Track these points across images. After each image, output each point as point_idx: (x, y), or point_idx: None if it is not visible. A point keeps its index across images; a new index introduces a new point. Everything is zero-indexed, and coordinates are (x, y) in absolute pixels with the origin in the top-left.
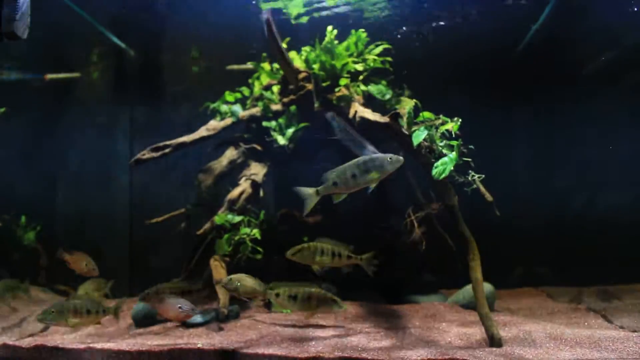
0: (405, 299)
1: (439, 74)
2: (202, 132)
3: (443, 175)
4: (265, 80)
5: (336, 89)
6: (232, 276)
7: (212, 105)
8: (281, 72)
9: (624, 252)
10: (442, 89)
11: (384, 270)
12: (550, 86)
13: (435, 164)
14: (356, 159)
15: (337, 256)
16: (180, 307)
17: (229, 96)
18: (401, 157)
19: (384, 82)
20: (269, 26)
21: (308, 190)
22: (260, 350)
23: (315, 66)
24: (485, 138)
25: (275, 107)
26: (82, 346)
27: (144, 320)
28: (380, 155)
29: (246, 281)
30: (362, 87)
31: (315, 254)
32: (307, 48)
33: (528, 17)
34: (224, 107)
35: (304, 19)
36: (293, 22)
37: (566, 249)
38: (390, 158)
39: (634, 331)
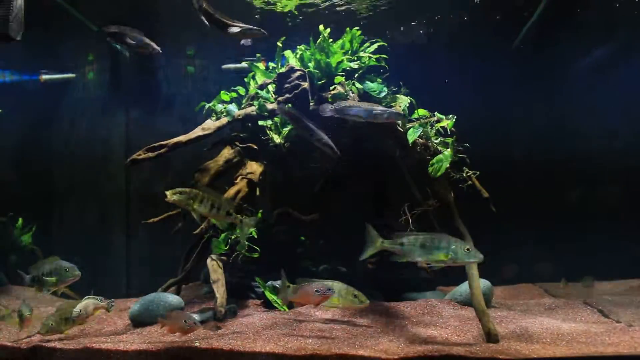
0: (403, 296)
1: None
2: (198, 131)
3: (439, 173)
4: (260, 79)
5: (331, 87)
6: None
7: (208, 105)
8: (277, 71)
9: (621, 246)
10: None
11: (381, 268)
12: None
13: (430, 162)
14: (432, 235)
15: (216, 209)
16: (185, 322)
17: (225, 95)
18: (480, 255)
19: (379, 79)
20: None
21: (375, 236)
22: (258, 348)
23: (310, 64)
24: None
25: (271, 106)
26: (79, 346)
27: (141, 320)
28: (459, 243)
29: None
30: (358, 85)
31: (194, 200)
32: (302, 47)
33: None
34: (220, 107)
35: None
36: (288, 20)
37: (563, 244)
38: (468, 249)
39: (630, 325)
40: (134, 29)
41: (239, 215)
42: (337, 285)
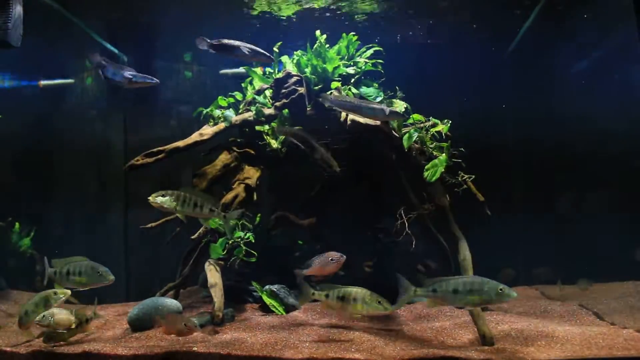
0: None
1: None
2: (196, 137)
3: (435, 178)
4: (257, 84)
5: (328, 92)
6: (46, 312)
7: (205, 111)
8: (273, 76)
9: (618, 250)
10: None
11: (378, 271)
12: None
13: (426, 167)
14: (464, 279)
15: (199, 207)
16: (184, 324)
17: (222, 101)
18: (514, 293)
19: (375, 84)
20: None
21: (408, 286)
22: (256, 353)
23: (307, 70)
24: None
25: (268, 111)
26: (78, 350)
27: (140, 324)
28: (491, 284)
29: (60, 315)
30: (354, 90)
31: (177, 201)
32: (299, 52)
33: None
34: (217, 112)
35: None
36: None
37: (560, 247)
38: (501, 289)
39: (625, 328)
40: (122, 66)
41: (223, 213)
42: (360, 291)
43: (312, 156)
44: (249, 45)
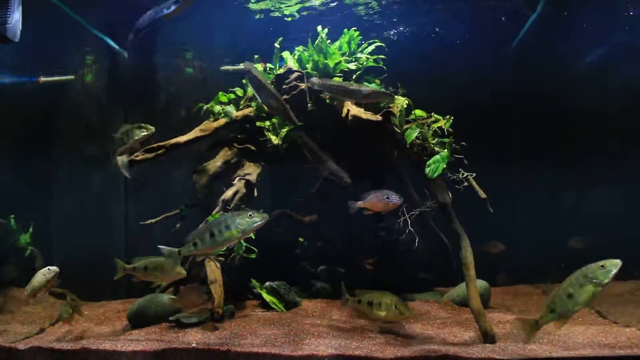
0: (401, 297)
1: None
2: (196, 132)
3: (436, 174)
4: None
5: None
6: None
7: (206, 106)
8: (274, 72)
9: (618, 249)
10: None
11: (379, 269)
12: None
13: (427, 163)
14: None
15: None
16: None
17: (223, 97)
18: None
19: (377, 80)
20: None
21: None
22: (255, 349)
23: (308, 66)
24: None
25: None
26: (77, 347)
27: (139, 321)
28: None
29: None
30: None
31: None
32: (300, 47)
33: None
34: (218, 108)
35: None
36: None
37: (561, 245)
38: (602, 265)
39: (627, 326)
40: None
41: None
42: (385, 298)
43: (321, 170)
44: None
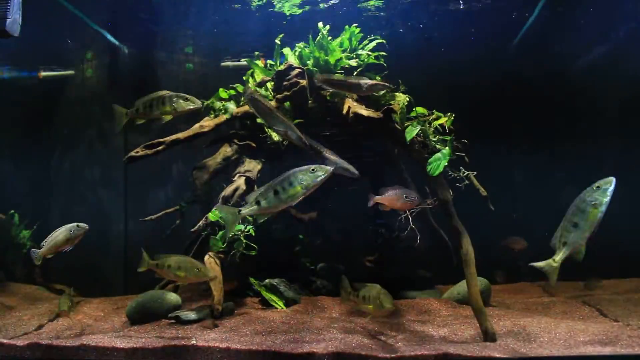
0: (401, 295)
1: None
2: (196, 129)
3: (437, 172)
4: (259, 77)
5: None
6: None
7: (206, 102)
8: (275, 68)
9: (620, 246)
10: None
11: (380, 266)
12: None
13: (429, 160)
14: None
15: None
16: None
17: (223, 93)
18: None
19: (378, 77)
20: None
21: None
22: (254, 347)
23: (309, 62)
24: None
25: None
26: (76, 343)
27: (138, 318)
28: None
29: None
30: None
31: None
32: (301, 44)
33: None
34: (218, 104)
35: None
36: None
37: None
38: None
39: (628, 324)
40: None
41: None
42: (373, 291)
43: (329, 165)
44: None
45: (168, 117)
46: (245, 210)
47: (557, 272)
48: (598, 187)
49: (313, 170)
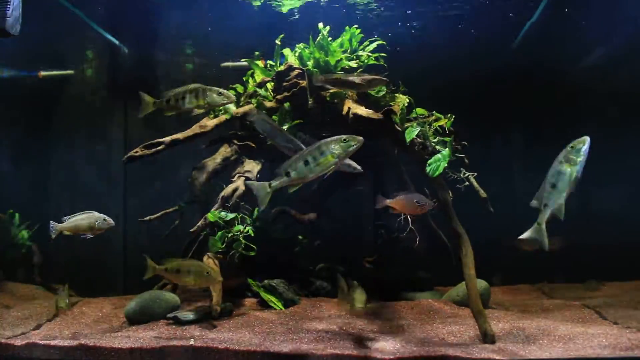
0: (400, 296)
1: None
2: (196, 129)
3: (437, 173)
4: (259, 77)
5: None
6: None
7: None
8: (275, 69)
9: (619, 249)
10: None
11: (379, 267)
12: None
13: (428, 161)
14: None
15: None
16: None
17: None
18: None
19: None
20: None
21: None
22: (253, 347)
23: (309, 63)
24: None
25: (269, 104)
26: (74, 343)
27: (137, 318)
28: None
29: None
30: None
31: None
32: (301, 45)
33: None
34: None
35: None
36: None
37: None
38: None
39: (628, 327)
40: None
41: None
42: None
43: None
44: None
45: (200, 111)
46: (275, 183)
47: (545, 234)
48: (572, 147)
49: (345, 140)
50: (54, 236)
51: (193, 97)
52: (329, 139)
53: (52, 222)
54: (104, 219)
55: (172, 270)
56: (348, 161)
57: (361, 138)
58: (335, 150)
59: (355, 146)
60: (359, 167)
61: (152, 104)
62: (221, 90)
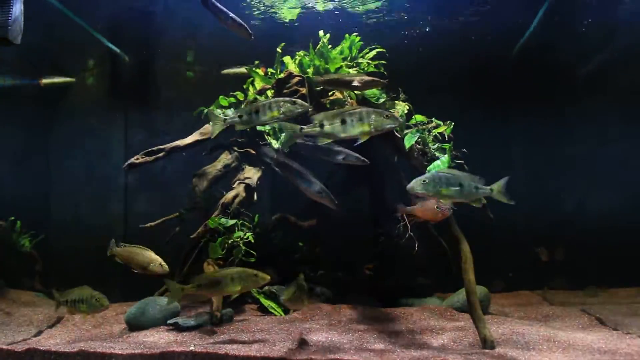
0: (400, 302)
1: None
2: (196, 136)
3: None
4: (259, 84)
5: (330, 93)
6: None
7: (206, 110)
8: (276, 76)
9: (619, 255)
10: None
11: (379, 273)
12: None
13: (428, 168)
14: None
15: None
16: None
17: (223, 100)
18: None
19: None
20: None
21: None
22: (253, 353)
23: (309, 70)
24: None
25: None
26: (74, 349)
27: (137, 324)
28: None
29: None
30: (357, 92)
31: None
32: (301, 52)
33: None
34: (218, 111)
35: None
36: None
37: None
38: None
39: (628, 333)
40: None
41: None
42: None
43: (333, 160)
44: (234, 16)
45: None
46: (307, 128)
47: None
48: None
49: (387, 116)
50: (108, 253)
51: (267, 110)
52: (371, 109)
53: (112, 241)
54: (160, 264)
55: (208, 285)
56: (355, 154)
57: (400, 119)
58: (374, 122)
59: (392, 125)
60: (366, 160)
61: (223, 122)
62: (294, 99)
